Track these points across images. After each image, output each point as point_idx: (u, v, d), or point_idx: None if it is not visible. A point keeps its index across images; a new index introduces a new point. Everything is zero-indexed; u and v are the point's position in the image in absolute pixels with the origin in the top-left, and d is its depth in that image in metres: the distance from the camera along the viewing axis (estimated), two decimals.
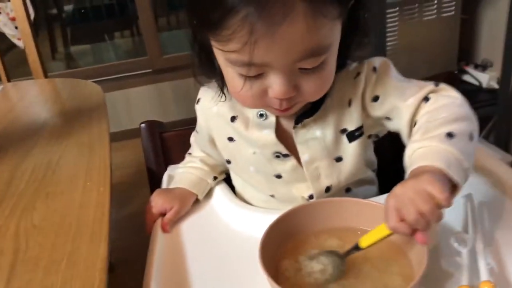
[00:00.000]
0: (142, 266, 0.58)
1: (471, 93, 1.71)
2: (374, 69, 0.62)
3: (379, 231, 0.49)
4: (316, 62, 0.51)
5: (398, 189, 0.47)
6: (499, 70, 1.60)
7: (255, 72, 0.51)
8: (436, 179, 0.46)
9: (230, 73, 0.54)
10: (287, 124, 0.64)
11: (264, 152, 0.64)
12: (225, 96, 0.63)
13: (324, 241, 0.54)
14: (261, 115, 0.63)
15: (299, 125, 0.62)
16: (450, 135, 0.51)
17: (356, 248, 0.50)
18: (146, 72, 2.82)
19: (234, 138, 0.66)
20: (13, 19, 2.61)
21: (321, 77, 0.54)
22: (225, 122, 0.66)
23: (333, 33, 0.52)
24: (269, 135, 0.63)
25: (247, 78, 0.52)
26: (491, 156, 0.69)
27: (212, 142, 0.70)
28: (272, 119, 0.63)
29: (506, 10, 1.49)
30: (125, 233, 1.30)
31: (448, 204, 0.44)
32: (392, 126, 0.62)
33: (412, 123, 0.58)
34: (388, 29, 1.49)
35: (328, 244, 0.53)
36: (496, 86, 1.68)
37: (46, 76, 1.53)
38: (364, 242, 0.50)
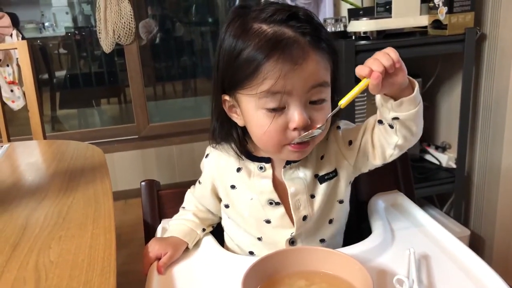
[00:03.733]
0: None
1: (433, 171, 1.88)
2: (338, 127, 0.81)
3: (352, 91, 0.66)
4: (321, 95, 0.71)
5: None
6: (456, 152, 1.79)
7: (280, 104, 0.69)
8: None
9: (260, 115, 0.71)
10: (280, 176, 0.80)
11: (260, 199, 0.79)
12: (239, 156, 0.80)
13: (294, 281, 0.66)
14: (261, 168, 0.80)
15: (288, 166, 0.79)
16: None
17: (338, 108, 0.68)
18: (133, 138, 2.96)
19: (236, 186, 0.81)
20: (10, 83, 2.75)
21: (323, 112, 0.72)
22: (231, 172, 0.81)
23: (329, 77, 0.73)
24: (267, 184, 0.79)
25: (272, 114, 0.69)
26: (433, 222, 0.84)
27: (213, 191, 0.85)
28: (269, 171, 0.79)
29: (459, 100, 1.72)
30: None
31: (393, 50, 0.65)
32: (363, 148, 0.79)
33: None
34: (357, 112, 1.68)
35: (297, 284, 0.65)
36: (454, 165, 1.85)
37: (44, 138, 1.66)
38: (342, 102, 0.67)
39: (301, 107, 0.69)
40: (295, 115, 0.69)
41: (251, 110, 0.72)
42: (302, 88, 0.69)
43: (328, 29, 1.82)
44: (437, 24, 1.66)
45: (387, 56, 0.64)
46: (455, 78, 1.86)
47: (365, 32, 1.67)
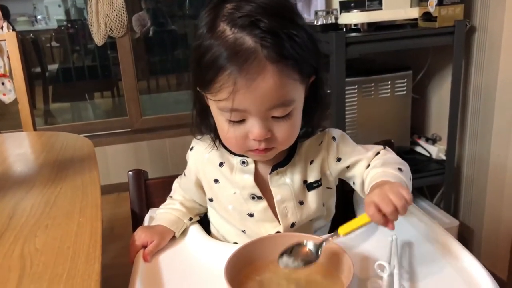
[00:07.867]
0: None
1: (423, 163, 1.89)
2: (334, 138, 0.80)
3: (357, 221, 0.63)
4: (284, 112, 0.68)
5: (377, 190, 0.64)
6: (446, 143, 1.80)
7: (238, 118, 0.67)
8: (403, 185, 0.64)
9: (220, 120, 0.70)
10: (264, 172, 0.79)
11: (243, 193, 0.79)
12: (216, 147, 0.79)
13: (278, 267, 0.67)
14: (243, 162, 0.78)
15: (274, 172, 0.78)
16: (400, 169, 0.74)
17: (336, 235, 0.64)
18: (125, 131, 2.96)
19: (219, 180, 0.81)
20: (1, 76, 2.73)
21: (289, 125, 0.70)
22: (213, 166, 0.81)
23: (296, 91, 0.68)
24: (248, 179, 0.78)
25: (232, 123, 0.68)
26: (416, 208, 0.85)
27: (197, 183, 0.85)
28: (251, 166, 0.78)
29: (449, 92, 1.73)
30: None
31: (411, 202, 0.63)
32: (349, 174, 0.80)
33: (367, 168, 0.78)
34: (348, 104, 1.68)
35: (281, 270, 0.66)
36: (444, 157, 1.86)
37: (34, 130, 1.66)
38: (342, 230, 0.64)
39: (260, 121, 0.67)
40: (254, 128, 0.67)
41: (214, 112, 0.71)
42: (259, 108, 0.66)
43: (319, 22, 1.82)
44: (427, 16, 1.66)
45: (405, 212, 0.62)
46: (445, 70, 1.87)
47: (355, 24, 1.68)
